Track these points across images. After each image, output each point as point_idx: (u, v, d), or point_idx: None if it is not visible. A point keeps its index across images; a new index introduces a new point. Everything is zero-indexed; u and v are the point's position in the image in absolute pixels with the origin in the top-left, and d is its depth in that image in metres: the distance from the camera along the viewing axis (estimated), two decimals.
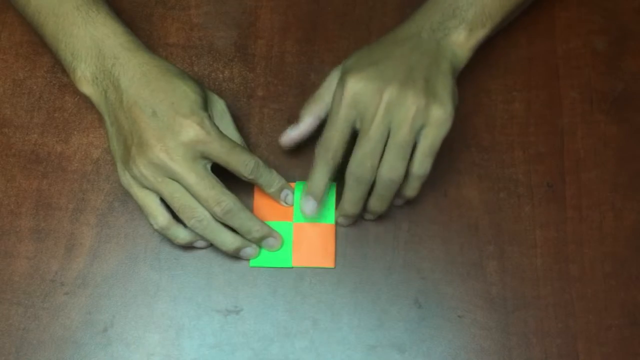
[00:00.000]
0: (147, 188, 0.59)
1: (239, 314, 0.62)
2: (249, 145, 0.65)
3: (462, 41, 0.61)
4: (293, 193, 0.63)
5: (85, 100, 0.67)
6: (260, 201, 0.64)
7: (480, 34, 0.62)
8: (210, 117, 0.59)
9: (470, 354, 0.61)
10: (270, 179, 0.62)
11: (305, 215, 0.62)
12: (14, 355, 0.61)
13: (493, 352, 0.61)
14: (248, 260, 0.63)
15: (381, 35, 0.69)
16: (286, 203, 0.63)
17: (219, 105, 0.63)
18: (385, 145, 0.58)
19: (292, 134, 0.63)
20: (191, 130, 0.58)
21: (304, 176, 0.65)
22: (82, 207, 0.65)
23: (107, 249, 0.63)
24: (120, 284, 0.63)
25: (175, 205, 0.59)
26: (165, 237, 0.62)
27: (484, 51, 0.64)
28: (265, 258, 0.63)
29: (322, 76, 0.68)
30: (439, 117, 0.57)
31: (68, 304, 0.62)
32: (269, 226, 0.62)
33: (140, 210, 0.61)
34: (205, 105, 0.60)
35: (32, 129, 0.67)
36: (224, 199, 0.58)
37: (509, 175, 0.65)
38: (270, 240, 0.62)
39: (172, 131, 0.58)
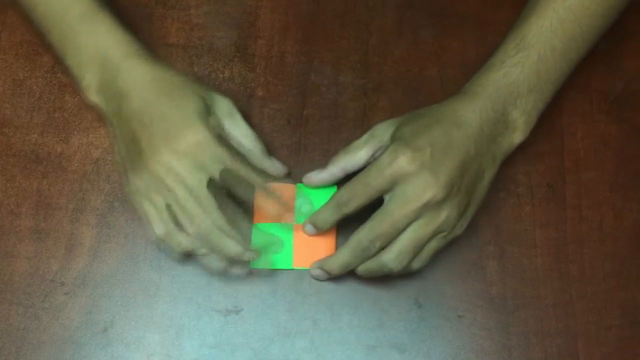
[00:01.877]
0: (148, 196, 0.59)
1: (239, 314, 0.62)
2: None
3: (518, 139, 0.61)
4: (290, 214, 0.62)
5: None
6: (260, 203, 0.64)
7: (534, 120, 0.61)
8: (209, 126, 0.59)
9: (470, 354, 0.61)
10: (270, 193, 0.61)
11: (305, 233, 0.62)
12: (14, 355, 0.61)
13: (493, 352, 0.61)
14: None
15: (381, 35, 0.69)
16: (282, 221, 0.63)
17: (225, 106, 0.62)
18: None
19: (313, 179, 0.62)
20: (187, 139, 0.58)
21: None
22: (82, 207, 0.65)
23: (107, 249, 0.63)
24: (120, 284, 0.63)
25: (176, 212, 0.59)
26: (163, 250, 0.62)
27: (485, 52, 0.64)
28: (265, 259, 0.63)
29: (322, 76, 0.68)
30: (459, 230, 0.59)
31: (68, 304, 0.62)
32: (244, 244, 0.60)
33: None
34: (207, 115, 0.60)
35: (32, 129, 0.67)
36: (224, 207, 0.59)
37: (508, 175, 0.65)
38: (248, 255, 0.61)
39: (170, 141, 0.58)
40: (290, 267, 0.63)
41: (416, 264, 0.59)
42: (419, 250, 0.58)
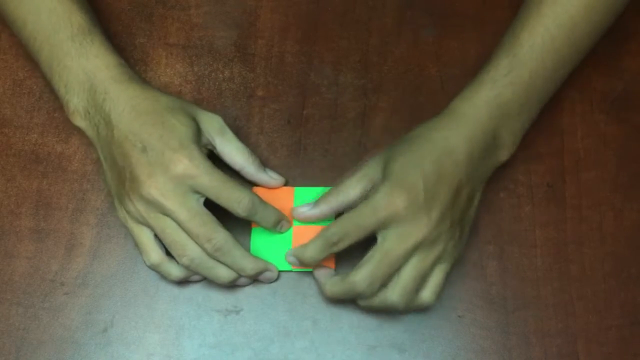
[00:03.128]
0: (141, 223, 0.59)
1: (239, 314, 0.62)
2: (249, 146, 0.65)
3: (504, 157, 0.61)
4: (288, 222, 0.62)
5: None
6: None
7: (520, 138, 0.61)
8: (200, 149, 0.58)
9: (470, 354, 0.61)
10: (266, 215, 0.60)
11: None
12: (14, 355, 0.61)
13: (493, 352, 0.61)
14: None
15: (381, 35, 0.69)
16: (280, 232, 0.62)
17: (216, 123, 0.61)
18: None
19: (303, 216, 0.61)
20: (180, 164, 0.57)
21: (304, 177, 0.65)
22: (82, 207, 0.65)
23: (107, 249, 0.63)
24: (120, 284, 0.63)
25: (167, 242, 0.58)
26: (159, 274, 0.61)
27: (485, 52, 0.64)
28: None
29: (322, 76, 0.68)
30: (458, 254, 0.59)
31: (68, 304, 0.62)
32: (263, 261, 0.61)
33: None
34: (197, 137, 0.59)
35: (32, 129, 0.67)
36: (215, 236, 0.57)
37: (508, 175, 0.65)
38: (267, 274, 0.61)
39: (161, 166, 0.57)
40: (290, 269, 0.62)
41: (427, 297, 0.58)
42: (421, 284, 0.58)
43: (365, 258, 0.57)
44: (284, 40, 0.69)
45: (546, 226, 0.64)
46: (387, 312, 0.59)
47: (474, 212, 0.60)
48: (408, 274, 0.57)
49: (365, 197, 0.58)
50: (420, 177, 0.56)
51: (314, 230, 0.62)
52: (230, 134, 0.62)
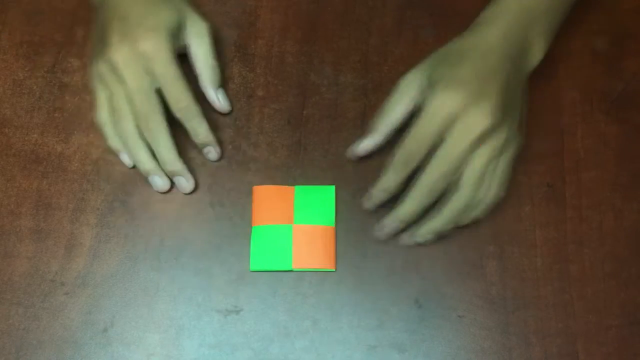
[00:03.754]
0: (103, 83, 0.62)
1: (239, 314, 0.62)
2: (250, 145, 0.65)
3: (536, 59, 0.63)
4: (218, 152, 0.65)
5: (85, 100, 0.67)
6: (259, 205, 0.64)
7: (550, 41, 0.63)
8: (173, 41, 0.62)
9: (470, 354, 0.61)
10: (198, 128, 0.63)
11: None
12: (14, 355, 0.61)
13: (493, 352, 0.61)
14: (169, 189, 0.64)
15: (381, 35, 0.69)
16: (209, 159, 0.65)
17: (199, 27, 0.65)
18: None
19: (359, 150, 0.63)
20: (146, 42, 0.60)
21: (304, 177, 0.65)
22: (82, 207, 0.65)
23: (107, 249, 0.63)
24: (120, 284, 0.63)
25: (111, 106, 0.62)
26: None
27: None
28: (264, 261, 0.63)
29: (322, 76, 0.68)
30: (520, 141, 0.61)
31: (68, 304, 0.62)
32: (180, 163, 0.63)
33: (140, 210, 0.62)
34: (175, 30, 0.62)
35: (32, 129, 0.67)
36: (152, 118, 0.61)
37: None
38: (181, 180, 0.64)
39: (131, 38, 0.61)
40: (290, 269, 0.62)
41: (496, 189, 0.60)
42: (490, 175, 0.59)
43: (432, 158, 0.58)
44: (284, 40, 0.69)
45: (546, 226, 0.64)
46: (461, 219, 0.60)
47: (526, 107, 0.63)
48: (477, 164, 0.58)
49: (415, 113, 0.60)
50: (469, 73, 0.59)
51: (314, 229, 0.62)
52: (207, 41, 0.65)
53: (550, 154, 0.66)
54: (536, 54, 0.63)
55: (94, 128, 0.67)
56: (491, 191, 0.60)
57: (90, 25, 0.68)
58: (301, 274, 0.63)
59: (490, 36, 0.61)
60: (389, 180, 0.60)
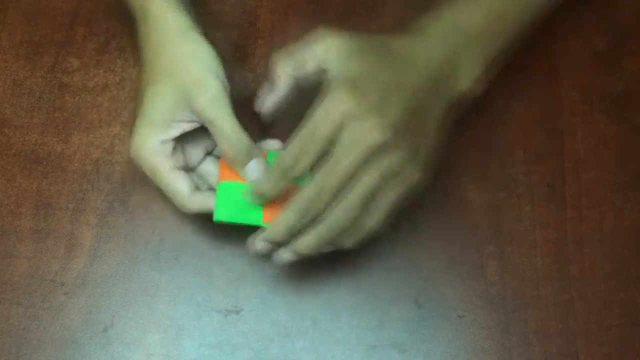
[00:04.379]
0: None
1: (239, 314, 0.62)
2: None
3: (463, 86, 0.58)
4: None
5: (85, 100, 0.67)
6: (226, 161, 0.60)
7: (480, 69, 0.59)
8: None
9: (470, 354, 0.61)
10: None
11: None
12: (14, 355, 0.61)
13: (493, 352, 0.61)
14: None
15: None
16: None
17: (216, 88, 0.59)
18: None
19: (266, 106, 0.60)
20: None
21: None
22: (82, 207, 0.65)
23: (107, 249, 0.64)
24: (120, 284, 0.63)
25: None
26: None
27: None
28: (231, 213, 0.58)
29: None
30: (414, 175, 0.55)
31: (68, 304, 0.62)
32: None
33: (140, 210, 0.62)
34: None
35: (32, 129, 0.67)
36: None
37: (509, 175, 0.65)
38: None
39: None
40: (260, 223, 0.58)
41: (371, 220, 0.55)
42: (370, 202, 0.54)
43: (317, 171, 0.54)
44: (284, 40, 0.69)
45: (546, 226, 0.64)
46: (332, 240, 0.55)
47: (434, 134, 0.56)
48: (366, 180, 0.53)
49: (318, 77, 0.56)
50: (377, 83, 0.54)
51: (288, 187, 0.57)
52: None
53: (550, 154, 0.66)
54: (464, 80, 0.57)
55: (94, 128, 0.67)
56: (371, 221, 0.55)
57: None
58: (302, 274, 0.63)
59: (416, 47, 0.56)
60: (263, 184, 0.56)
